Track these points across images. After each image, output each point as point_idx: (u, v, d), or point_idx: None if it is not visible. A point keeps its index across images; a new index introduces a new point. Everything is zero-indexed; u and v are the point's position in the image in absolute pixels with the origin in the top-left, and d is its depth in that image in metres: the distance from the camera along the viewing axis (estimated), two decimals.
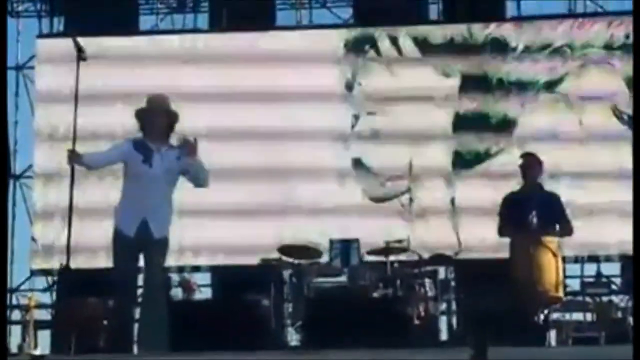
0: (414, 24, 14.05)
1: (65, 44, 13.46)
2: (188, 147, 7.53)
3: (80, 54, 7.64)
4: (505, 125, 13.66)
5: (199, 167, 7.65)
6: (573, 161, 13.12)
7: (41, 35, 14.74)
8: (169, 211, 7.66)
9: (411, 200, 13.06)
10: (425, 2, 14.51)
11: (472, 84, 13.83)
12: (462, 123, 13.74)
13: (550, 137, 13.36)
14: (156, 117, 7.58)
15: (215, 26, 14.59)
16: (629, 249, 12.45)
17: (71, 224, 7.62)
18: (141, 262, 7.69)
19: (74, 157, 7.44)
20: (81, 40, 7.87)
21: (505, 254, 9.17)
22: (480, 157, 13.62)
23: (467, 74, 13.84)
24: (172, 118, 7.66)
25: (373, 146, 13.80)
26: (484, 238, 12.57)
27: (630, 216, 12.77)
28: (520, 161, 9.30)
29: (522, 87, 13.75)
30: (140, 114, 7.68)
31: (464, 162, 13.64)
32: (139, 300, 7.91)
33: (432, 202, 13.42)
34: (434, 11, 14.55)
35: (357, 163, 13.78)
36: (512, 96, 13.72)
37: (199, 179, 7.73)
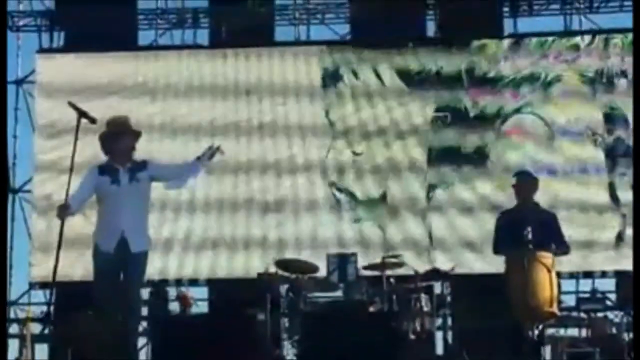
0: (410, 41, 14.14)
1: (65, 66, 13.88)
2: (212, 152, 7.78)
3: (84, 117, 7.62)
4: (480, 155, 13.74)
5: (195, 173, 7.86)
6: (550, 191, 13.23)
7: (41, 50, 14.79)
8: (146, 225, 7.84)
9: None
10: (422, 19, 14.58)
11: (447, 113, 13.91)
12: (437, 153, 13.83)
13: (526, 166, 13.51)
14: (121, 138, 7.78)
15: (215, 42, 14.68)
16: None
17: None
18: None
19: (63, 213, 7.53)
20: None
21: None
22: (455, 187, 13.70)
23: (442, 103, 13.93)
24: (135, 137, 7.88)
25: (348, 174, 13.90)
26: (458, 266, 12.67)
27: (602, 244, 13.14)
28: (514, 180, 9.33)
29: (496, 116, 13.84)
30: (104, 137, 7.84)
31: (438, 191, 13.72)
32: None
33: (408, 231, 13.54)
34: (431, 28, 14.63)
35: (333, 188, 13.87)
36: (487, 125, 13.81)
37: (182, 183, 7.96)
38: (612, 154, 13.60)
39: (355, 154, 13.92)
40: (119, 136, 7.77)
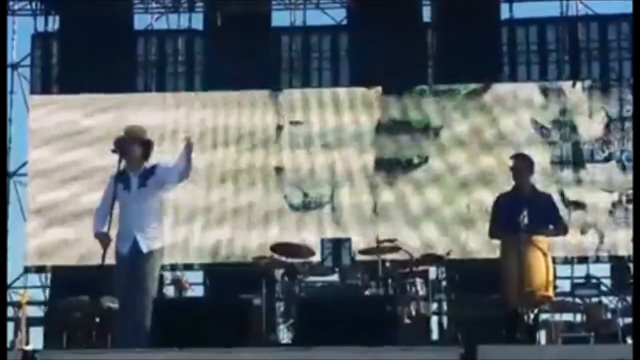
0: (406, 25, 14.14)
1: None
2: (189, 148, 8.06)
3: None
4: (428, 132, 13.79)
5: (187, 166, 8.14)
6: (494, 168, 13.28)
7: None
8: (158, 225, 8.24)
9: (333, 208, 13.26)
10: (419, 4, 14.55)
11: (395, 90, 13.91)
12: (385, 129, 13.85)
13: (471, 144, 13.53)
14: (132, 146, 8.19)
15: (210, 26, 14.64)
16: None
17: None
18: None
19: (105, 242, 8.06)
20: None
21: None
22: (402, 163, 13.73)
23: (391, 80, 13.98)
24: (147, 147, 8.27)
25: (296, 153, 13.91)
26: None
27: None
28: (511, 162, 9.29)
29: (444, 94, 13.86)
30: (118, 143, 8.25)
31: (386, 168, 13.75)
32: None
33: (355, 208, 13.53)
34: (426, 14, 14.59)
35: (280, 171, 13.88)
36: (435, 103, 13.83)
37: (183, 177, 8.23)
38: (558, 146, 13.73)
39: (293, 123, 13.96)
40: (130, 144, 8.19)
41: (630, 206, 13.31)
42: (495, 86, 13.99)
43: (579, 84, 13.91)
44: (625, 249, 12.92)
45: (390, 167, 13.79)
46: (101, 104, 14.10)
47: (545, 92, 13.87)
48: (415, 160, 13.78)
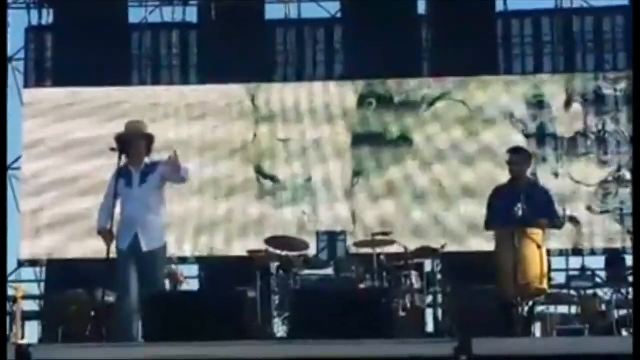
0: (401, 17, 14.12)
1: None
2: (171, 165, 8.21)
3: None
4: (404, 139, 13.77)
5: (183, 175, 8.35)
6: (471, 175, 13.28)
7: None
8: (159, 222, 8.40)
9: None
10: None
11: (370, 98, 13.90)
12: (361, 137, 13.82)
13: (450, 150, 13.53)
14: (134, 140, 8.34)
15: (204, 19, 14.63)
16: None
17: None
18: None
19: (108, 239, 8.21)
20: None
21: None
22: (378, 171, 13.71)
23: (366, 88, 13.95)
24: (149, 141, 8.42)
25: (274, 158, 13.90)
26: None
27: None
28: (507, 156, 9.31)
29: (419, 101, 13.85)
30: (120, 139, 8.39)
31: (362, 175, 13.73)
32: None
33: (332, 214, 13.53)
34: (421, 6, 14.59)
35: (259, 173, 13.86)
36: (410, 110, 13.82)
37: (182, 180, 8.47)
38: (534, 140, 13.69)
39: (280, 140, 13.91)
40: (132, 139, 8.32)
41: (610, 199, 13.35)
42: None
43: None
44: (606, 240, 13.10)
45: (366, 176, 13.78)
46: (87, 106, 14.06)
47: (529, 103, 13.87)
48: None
